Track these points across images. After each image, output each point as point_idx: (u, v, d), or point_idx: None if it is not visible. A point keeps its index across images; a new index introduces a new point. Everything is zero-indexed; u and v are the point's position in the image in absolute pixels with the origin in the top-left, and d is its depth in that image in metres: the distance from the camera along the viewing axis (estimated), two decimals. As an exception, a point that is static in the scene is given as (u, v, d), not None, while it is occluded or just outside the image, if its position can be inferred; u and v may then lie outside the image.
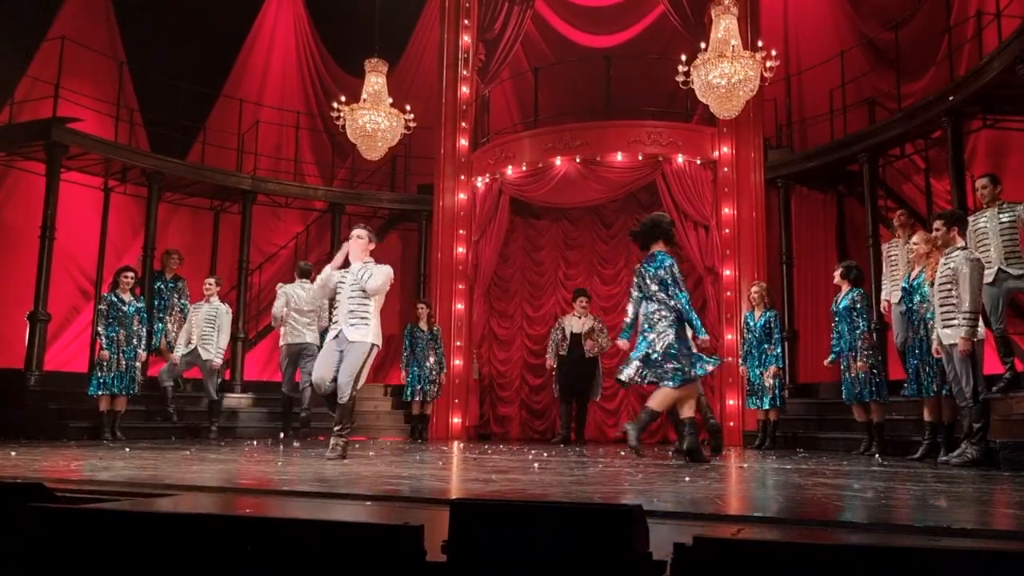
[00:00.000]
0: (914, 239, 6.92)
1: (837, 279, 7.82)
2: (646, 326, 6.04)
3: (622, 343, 6.26)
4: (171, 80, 10.94)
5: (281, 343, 9.59)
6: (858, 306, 7.64)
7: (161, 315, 10.23)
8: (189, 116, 11.42)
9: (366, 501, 3.42)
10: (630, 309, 6.22)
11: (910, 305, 6.79)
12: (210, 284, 9.52)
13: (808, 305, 10.15)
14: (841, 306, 7.75)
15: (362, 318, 6.08)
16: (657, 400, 5.96)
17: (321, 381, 6.04)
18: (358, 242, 6.30)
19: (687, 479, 4.54)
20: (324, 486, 3.90)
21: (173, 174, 10.78)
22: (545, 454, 7.20)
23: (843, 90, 9.69)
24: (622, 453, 7.54)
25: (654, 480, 4.53)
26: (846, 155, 9.39)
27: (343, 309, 6.12)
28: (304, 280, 9.54)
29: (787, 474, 5.07)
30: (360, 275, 6.12)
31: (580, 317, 10.02)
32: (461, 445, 9.22)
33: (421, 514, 2.91)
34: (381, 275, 6.12)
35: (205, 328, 9.32)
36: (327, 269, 6.29)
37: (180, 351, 9.34)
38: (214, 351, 9.30)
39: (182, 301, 10.36)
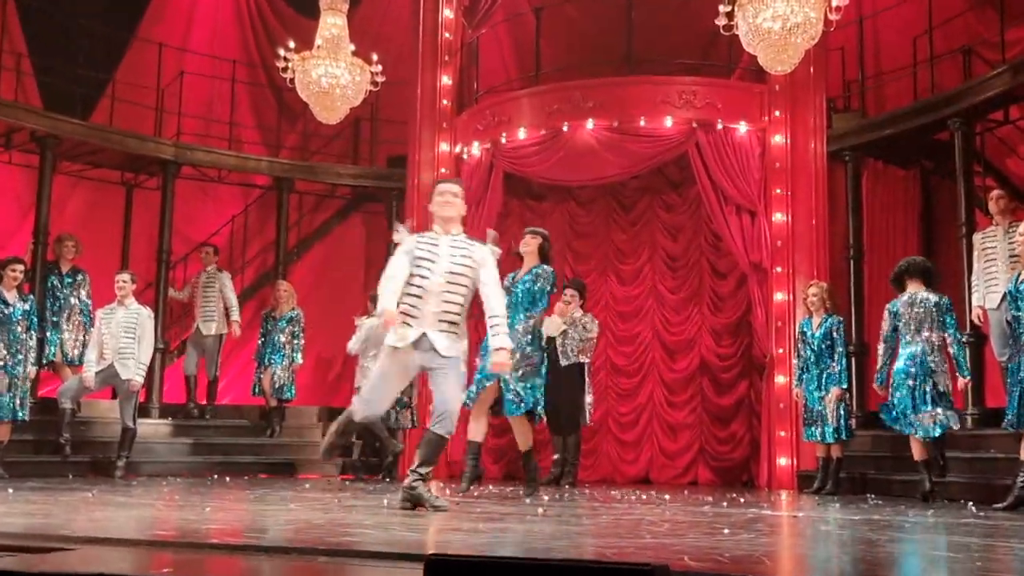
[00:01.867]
0: (1021, 228, 6.89)
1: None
2: (920, 370, 7.45)
3: (880, 388, 7.80)
4: (71, 18, 10.89)
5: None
6: None
7: (56, 319, 10.17)
8: (94, 65, 11.37)
9: (318, 556, 3.41)
10: (884, 349, 7.79)
11: (1017, 313, 6.74)
12: (124, 282, 9.46)
13: (881, 310, 10.12)
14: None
15: (452, 322, 5.74)
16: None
17: (378, 407, 5.94)
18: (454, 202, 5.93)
19: (726, 531, 4.53)
20: (264, 538, 3.88)
21: (73, 138, 10.73)
22: (547, 497, 7.19)
23: (930, 37, 9.69)
24: (643, 496, 7.54)
25: (684, 532, 4.52)
26: (933, 120, 9.38)
27: (432, 304, 5.68)
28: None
29: (855, 527, 5.07)
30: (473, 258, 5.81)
31: (562, 315, 9.83)
32: (440, 485, 9.19)
33: (388, 573, 2.89)
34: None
35: (123, 339, 9.27)
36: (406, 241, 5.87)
37: (92, 368, 9.28)
38: (135, 368, 9.26)
39: (82, 301, 10.30)
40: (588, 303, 10.58)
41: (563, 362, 9.57)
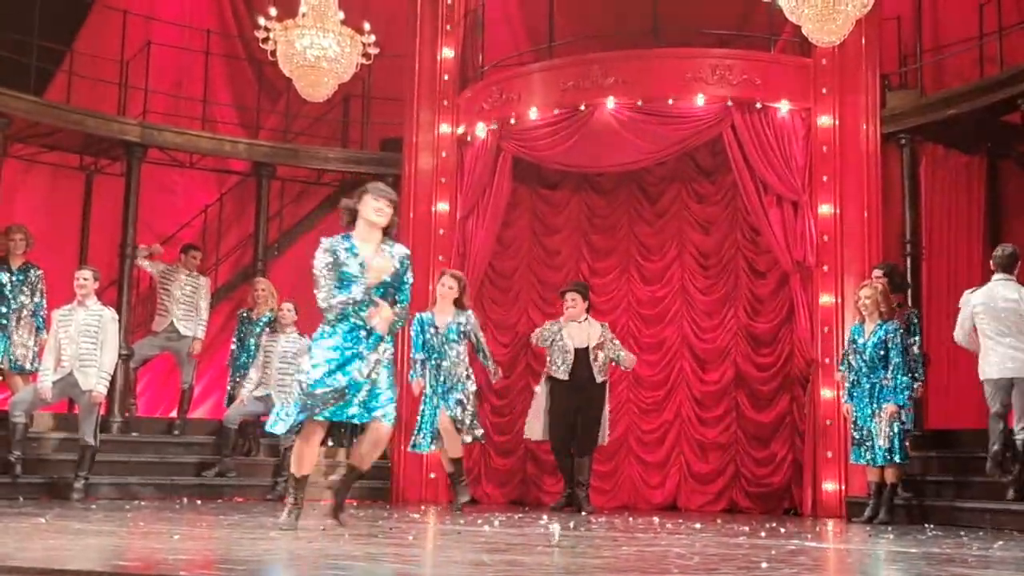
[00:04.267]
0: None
1: None
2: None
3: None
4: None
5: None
6: None
7: (3, 322, 10.16)
8: (49, 34, 11.38)
9: (300, 591, 3.41)
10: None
11: None
12: (85, 280, 9.45)
13: (944, 315, 10.07)
14: None
15: None
16: None
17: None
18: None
19: (764, 565, 4.52)
20: (240, 570, 3.88)
21: (24, 118, 10.73)
22: (562, 527, 7.17)
23: (999, 4, 9.67)
24: (670, 526, 7.52)
25: (716, 566, 4.51)
26: (1002, 99, 9.34)
27: None
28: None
29: (911, 561, 5.05)
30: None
31: (580, 322, 9.74)
32: (438, 510, 9.19)
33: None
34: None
35: (84, 344, 9.26)
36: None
37: (49, 378, 9.27)
38: (96, 377, 9.25)
39: (35, 300, 10.30)
40: (607, 305, 10.59)
41: (599, 378, 9.75)
